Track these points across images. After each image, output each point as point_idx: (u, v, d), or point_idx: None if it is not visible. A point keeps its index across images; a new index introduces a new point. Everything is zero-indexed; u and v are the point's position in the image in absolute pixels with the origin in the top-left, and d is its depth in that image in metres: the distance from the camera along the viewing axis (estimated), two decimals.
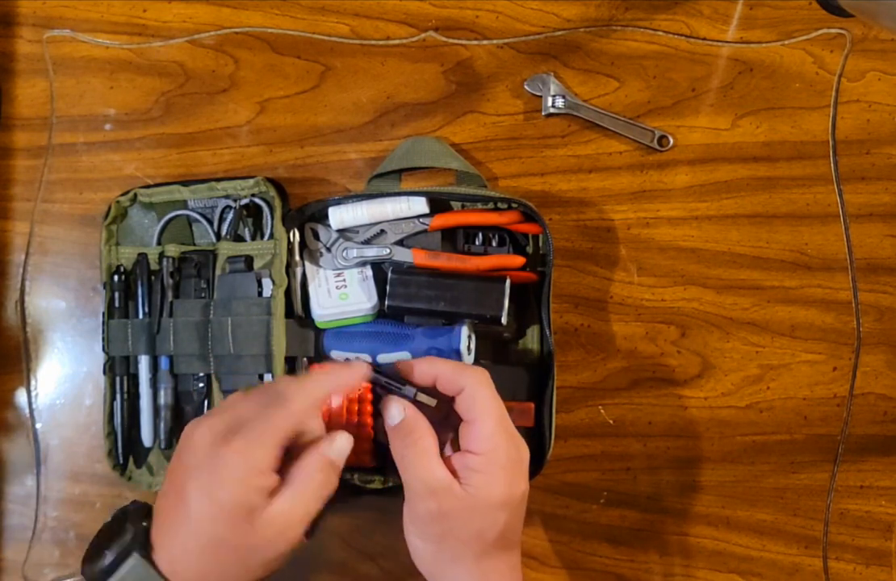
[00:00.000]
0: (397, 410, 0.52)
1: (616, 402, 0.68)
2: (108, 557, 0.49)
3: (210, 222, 0.68)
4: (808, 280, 0.68)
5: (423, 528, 0.52)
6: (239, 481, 0.47)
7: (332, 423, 0.65)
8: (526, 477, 0.53)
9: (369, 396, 0.65)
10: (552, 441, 0.63)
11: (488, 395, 0.52)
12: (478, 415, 0.51)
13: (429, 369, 0.54)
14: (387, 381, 0.55)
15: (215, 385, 0.66)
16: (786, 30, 0.69)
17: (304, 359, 0.66)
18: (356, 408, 0.65)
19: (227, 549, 0.48)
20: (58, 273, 0.71)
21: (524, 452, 0.53)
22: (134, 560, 0.48)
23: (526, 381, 0.64)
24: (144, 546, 0.49)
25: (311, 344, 0.66)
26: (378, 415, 0.56)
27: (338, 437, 0.52)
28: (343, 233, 0.67)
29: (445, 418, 0.55)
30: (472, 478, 0.50)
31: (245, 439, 0.48)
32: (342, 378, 0.55)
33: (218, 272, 0.66)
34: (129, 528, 0.50)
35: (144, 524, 0.50)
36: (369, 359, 0.65)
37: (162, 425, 0.67)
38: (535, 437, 0.64)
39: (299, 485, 0.49)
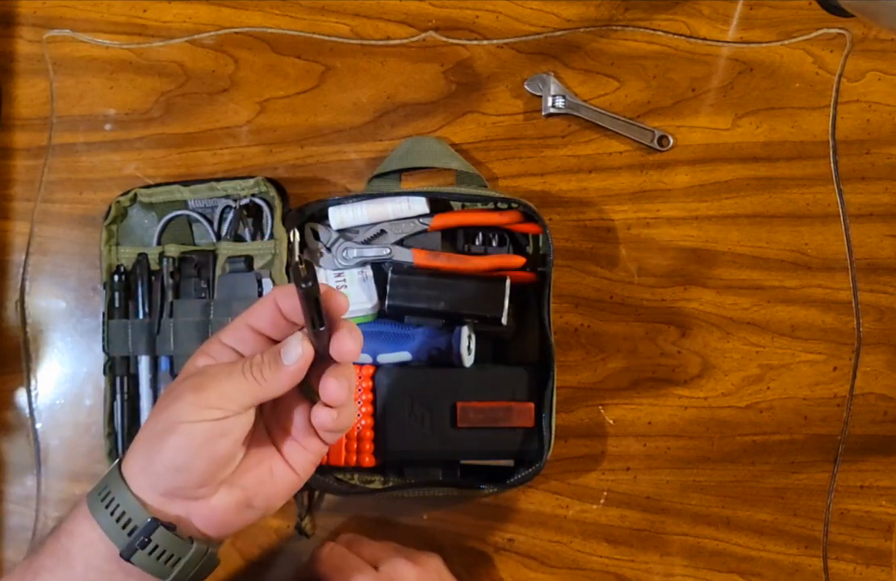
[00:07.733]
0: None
1: (616, 402, 0.68)
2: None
3: (210, 222, 0.68)
4: (808, 280, 0.68)
5: None
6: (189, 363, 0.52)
7: None
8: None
9: (370, 397, 0.65)
10: (552, 441, 0.63)
11: None
12: None
13: None
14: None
15: None
16: (786, 30, 0.69)
17: None
18: (356, 408, 0.65)
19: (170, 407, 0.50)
20: (58, 273, 0.71)
21: None
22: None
23: (526, 381, 0.64)
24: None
25: None
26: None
27: (292, 342, 0.50)
28: (343, 233, 0.67)
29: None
30: None
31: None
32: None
33: (218, 272, 0.66)
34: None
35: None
36: (370, 359, 0.65)
37: None
38: (536, 437, 0.64)
39: (245, 363, 0.50)
